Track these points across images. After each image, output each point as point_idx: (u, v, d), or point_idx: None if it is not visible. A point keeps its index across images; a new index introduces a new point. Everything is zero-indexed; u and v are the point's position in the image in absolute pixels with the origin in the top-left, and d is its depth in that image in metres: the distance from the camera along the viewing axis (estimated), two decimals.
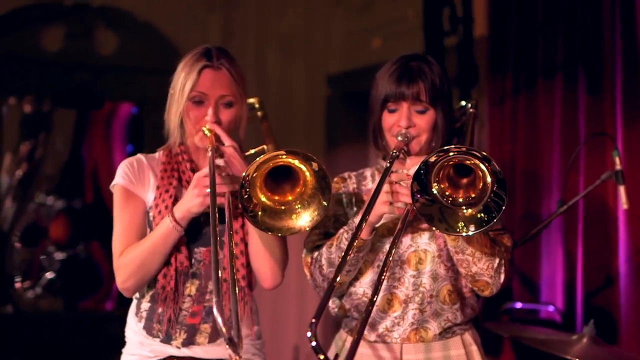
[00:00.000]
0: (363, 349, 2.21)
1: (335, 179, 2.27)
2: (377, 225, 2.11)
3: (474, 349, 2.22)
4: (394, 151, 2.09)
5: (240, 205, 2.02)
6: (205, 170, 2.10)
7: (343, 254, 1.98)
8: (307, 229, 2.04)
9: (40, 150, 5.43)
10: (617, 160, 2.94)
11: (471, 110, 2.46)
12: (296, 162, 2.00)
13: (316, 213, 2.02)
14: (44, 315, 5.37)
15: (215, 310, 1.81)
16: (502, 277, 2.12)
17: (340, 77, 5.43)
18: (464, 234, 1.97)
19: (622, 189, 2.92)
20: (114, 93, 5.41)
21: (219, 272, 1.89)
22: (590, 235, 3.52)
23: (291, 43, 5.54)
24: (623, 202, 2.94)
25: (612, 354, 2.76)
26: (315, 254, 2.17)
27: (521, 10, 3.97)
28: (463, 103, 2.50)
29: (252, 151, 2.30)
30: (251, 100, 2.66)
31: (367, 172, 2.29)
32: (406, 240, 2.18)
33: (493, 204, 1.95)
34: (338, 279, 1.91)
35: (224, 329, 1.79)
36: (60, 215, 5.48)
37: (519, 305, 3.75)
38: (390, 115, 2.16)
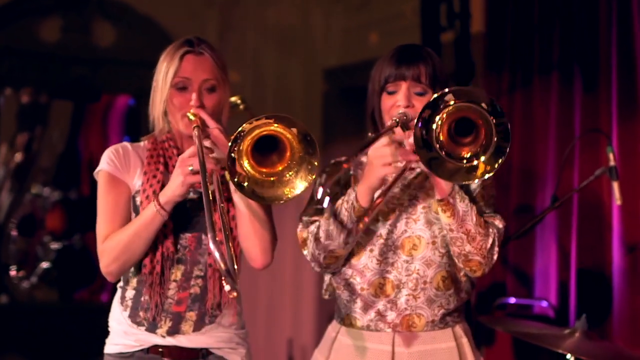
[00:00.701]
0: (353, 340, 2.21)
1: (332, 161, 2.27)
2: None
3: (465, 341, 2.22)
4: (394, 119, 2.09)
5: (229, 178, 2.03)
6: (188, 151, 2.11)
7: (343, 226, 2.01)
8: (302, 191, 2.03)
9: (37, 141, 5.43)
10: (611, 156, 2.96)
11: None
12: (279, 130, 2.00)
13: (308, 176, 2.03)
14: (39, 306, 5.37)
15: (211, 244, 1.83)
16: (495, 257, 2.13)
17: (338, 72, 5.44)
18: (476, 180, 1.99)
19: (615, 185, 2.94)
20: (111, 85, 5.40)
21: (210, 205, 1.92)
22: (584, 231, 3.54)
23: (289, 38, 5.55)
24: (617, 198, 2.96)
25: (604, 348, 2.77)
26: (312, 227, 2.17)
27: (518, 8, 3.99)
28: None
29: None
30: (233, 98, 2.69)
31: (364, 159, 2.28)
32: (401, 225, 2.19)
33: (500, 140, 1.95)
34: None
35: (221, 263, 1.82)
36: (56, 207, 5.48)
37: (512, 300, 3.77)
38: (389, 97, 2.16)
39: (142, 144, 2.31)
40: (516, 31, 3.98)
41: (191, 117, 2.17)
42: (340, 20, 5.49)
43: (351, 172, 2.26)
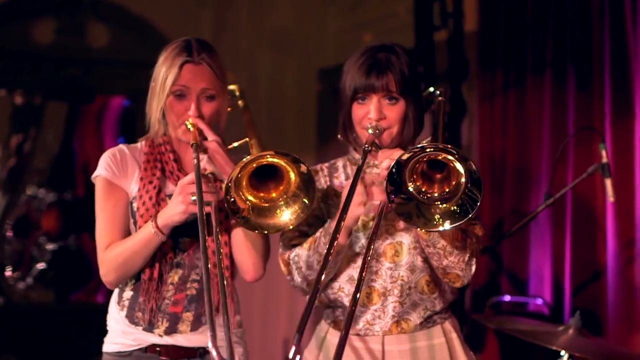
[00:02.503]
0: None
1: (311, 168, 2.24)
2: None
3: (454, 336, 2.22)
4: (366, 145, 2.07)
5: (226, 206, 2.02)
6: (189, 177, 2.11)
7: (322, 259, 1.95)
8: (291, 226, 2.04)
9: (31, 143, 5.43)
10: (604, 153, 2.97)
11: (439, 98, 2.37)
12: (282, 162, 2.01)
13: (299, 211, 2.03)
14: (35, 307, 5.38)
15: (210, 345, 1.77)
16: (473, 269, 2.12)
17: (332, 72, 5.44)
18: (440, 228, 1.95)
19: (608, 182, 2.96)
20: (105, 86, 5.40)
21: (212, 300, 1.89)
22: (578, 229, 3.55)
23: (283, 38, 5.55)
24: (609, 195, 2.97)
25: (597, 345, 2.78)
26: (292, 254, 2.15)
27: (511, 6, 4.00)
28: (431, 89, 2.43)
29: (236, 144, 2.31)
30: (231, 87, 2.61)
31: (339, 163, 2.28)
32: (381, 233, 2.16)
33: (467, 200, 1.94)
34: (319, 286, 1.89)
35: None
36: (51, 208, 5.49)
37: (507, 298, 3.78)
38: (360, 106, 2.14)
39: (138, 145, 2.31)
40: (509, 30, 4.00)
41: (190, 127, 2.17)
42: (335, 20, 5.50)
43: (327, 183, 2.24)
